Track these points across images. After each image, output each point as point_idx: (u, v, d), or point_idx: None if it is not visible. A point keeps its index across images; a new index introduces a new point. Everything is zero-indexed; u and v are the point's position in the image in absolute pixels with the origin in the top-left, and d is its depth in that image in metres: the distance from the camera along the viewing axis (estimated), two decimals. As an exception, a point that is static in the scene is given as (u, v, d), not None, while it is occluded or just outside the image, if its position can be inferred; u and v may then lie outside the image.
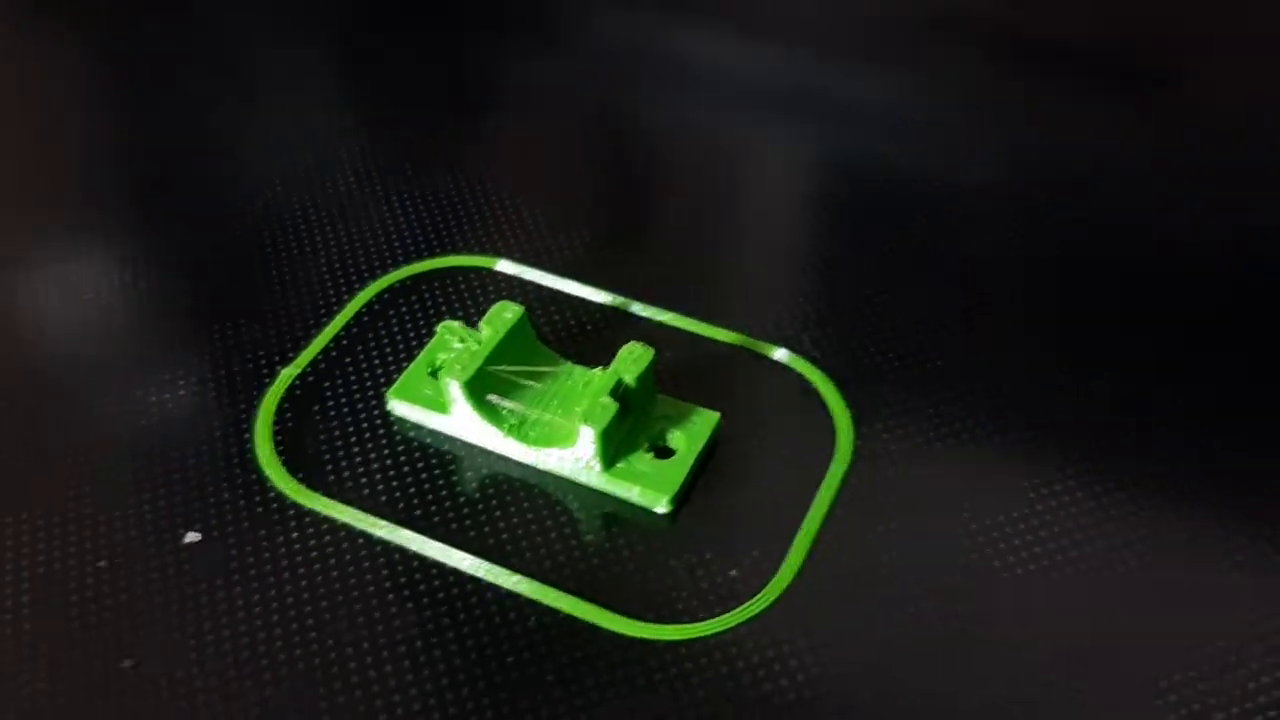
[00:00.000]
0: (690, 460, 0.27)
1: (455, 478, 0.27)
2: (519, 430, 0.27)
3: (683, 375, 0.29)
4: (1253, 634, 0.24)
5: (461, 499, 0.27)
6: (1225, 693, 0.23)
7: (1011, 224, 0.33)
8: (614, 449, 0.27)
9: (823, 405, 0.29)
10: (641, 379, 0.27)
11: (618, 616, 0.25)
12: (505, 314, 0.28)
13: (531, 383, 0.28)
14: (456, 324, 0.29)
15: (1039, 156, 0.36)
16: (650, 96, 0.38)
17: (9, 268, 0.32)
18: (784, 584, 0.25)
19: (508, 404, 0.27)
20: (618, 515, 0.27)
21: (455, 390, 0.27)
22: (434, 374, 0.28)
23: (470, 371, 0.27)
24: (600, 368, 0.28)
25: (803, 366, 0.29)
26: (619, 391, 0.26)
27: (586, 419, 0.26)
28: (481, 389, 0.27)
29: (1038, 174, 0.35)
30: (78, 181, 0.35)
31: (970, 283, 0.32)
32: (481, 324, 0.28)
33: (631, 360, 0.27)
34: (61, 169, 0.36)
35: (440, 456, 0.27)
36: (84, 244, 0.33)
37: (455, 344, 0.28)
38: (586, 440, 0.26)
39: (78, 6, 0.42)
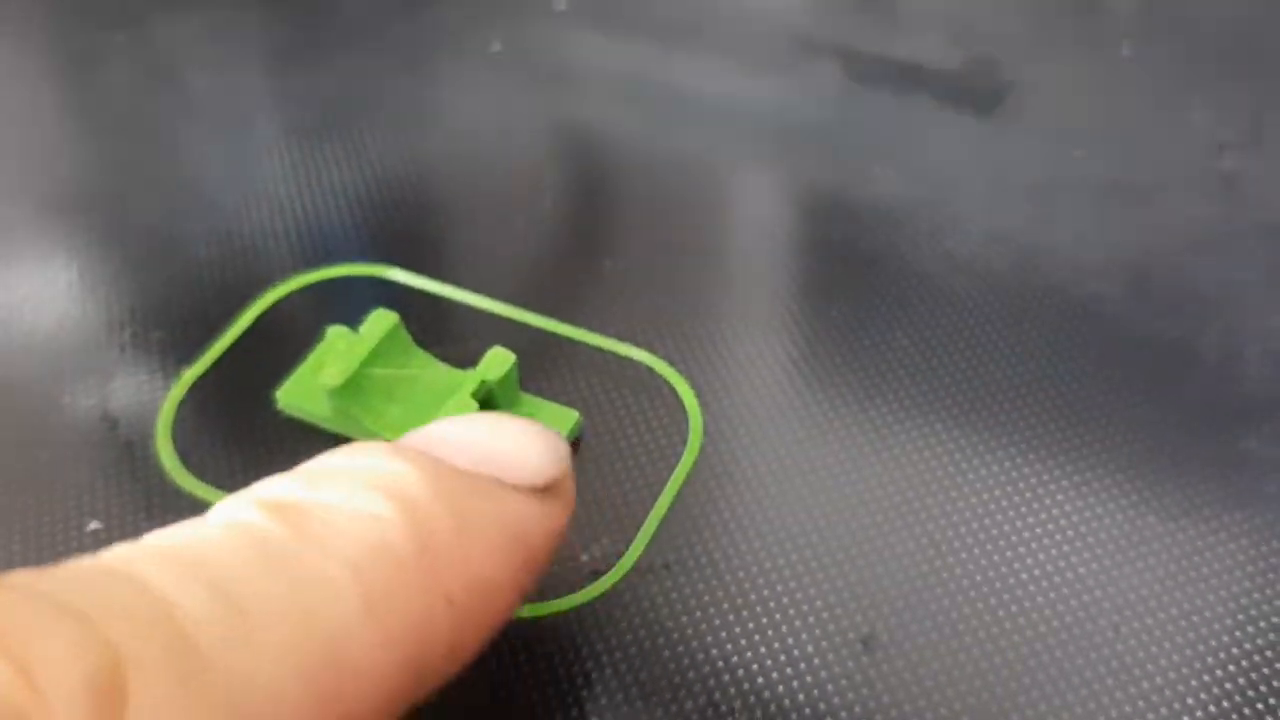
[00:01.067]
0: (550, 454, 0.30)
1: (336, 470, 0.30)
2: (392, 427, 0.30)
3: (551, 375, 0.32)
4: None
5: (341, 489, 0.29)
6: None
7: (864, 235, 0.36)
8: (478, 444, 0.29)
9: (677, 404, 0.31)
10: (503, 381, 0.30)
11: (475, 595, 0.28)
12: (382, 321, 0.30)
13: (405, 383, 0.30)
14: (344, 329, 0.31)
15: (893, 170, 0.38)
16: (538, 112, 0.41)
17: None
18: (626, 568, 0.28)
19: (383, 402, 0.30)
20: (482, 504, 0.29)
21: (335, 389, 0.29)
22: (319, 375, 0.31)
23: (345, 374, 0.29)
24: (471, 369, 0.30)
25: (661, 367, 0.32)
26: (480, 393, 0.29)
27: (447, 416, 0.29)
28: (359, 389, 0.30)
29: (897, 185, 0.38)
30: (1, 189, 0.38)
31: (823, 291, 0.34)
32: (361, 329, 0.30)
33: (495, 364, 0.30)
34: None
35: (324, 450, 0.30)
36: (3, 251, 0.36)
37: (341, 347, 0.31)
38: (451, 437, 0.29)
39: (3, 19, 0.45)
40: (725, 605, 0.27)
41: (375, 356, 0.30)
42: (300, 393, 0.31)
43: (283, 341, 0.33)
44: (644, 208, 0.37)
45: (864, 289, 0.34)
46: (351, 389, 0.29)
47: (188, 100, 0.41)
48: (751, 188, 0.38)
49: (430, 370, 0.31)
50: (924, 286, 0.34)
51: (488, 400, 0.29)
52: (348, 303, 0.34)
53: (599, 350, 0.33)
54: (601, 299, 0.34)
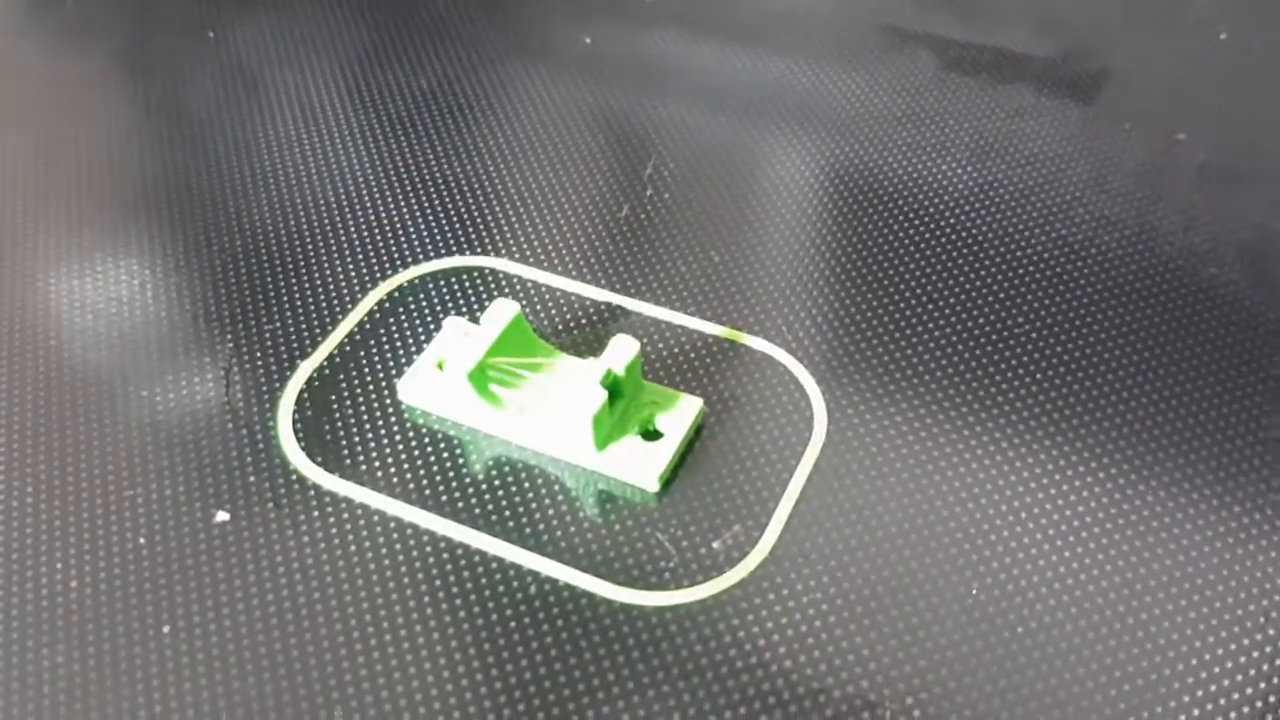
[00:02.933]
0: (676, 443, 0.29)
1: (461, 461, 0.30)
2: (518, 416, 0.30)
3: (670, 365, 0.32)
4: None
5: (467, 480, 0.29)
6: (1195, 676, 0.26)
7: (974, 221, 0.36)
8: (605, 433, 0.29)
9: (799, 392, 0.31)
10: (629, 369, 0.29)
11: (610, 584, 0.27)
12: (504, 311, 0.30)
13: (529, 373, 0.30)
14: (461, 320, 0.31)
15: (996, 157, 0.38)
16: (635, 104, 0.40)
17: (43, 271, 0.35)
18: (761, 556, 0.28)
19: (508, 392, 0.30)
20: (610, 493, 0.29)
21: (460, 381, 0.29)
22: (441, 366, 0.31)
23: (473, 363, 0.29)
24: (592, 358, 0.30)
25: (781, 356, 0.32)
26: (608, 380, 0.29)
27: (578, 405, 0.28)
28: (483, 379, 0.29)
29: (1002, 172, 0.37)
30: (101, 190, 0.38)
31: (939, 276, 0.34)
32: (482, 320, 0.30)
33: (620, 351, 0.29)
34: (85, 178, 0.38)
35: (448, 441, 0.30)
36: (112, 250, 0.35)
37: (460, 338, 0.30)
38: (579, 425, 0.28)
39: (94, 25, 0.45)
40: (866, 591, 0.27)
41: (499, 346, 0.30)
42: (421, 383, 0.31)
43: (398, 333, 0.32)
44: (744, 199, 0.37)
45: (978, 274, 0.34)
46: (478, 378, 0.29)
47: (281, 100, 0.41)
48: (855, 177, 0.38)
49: (554, 359, 0.31)
50: (1038, 271, 0.34)
51: (614, 389, 0.29)
52: (458, 295, 0.34)
53: (719, 340, 0.32)
54: (712, 288, 0.34)
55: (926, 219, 0.36)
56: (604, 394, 0.28)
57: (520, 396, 0.30)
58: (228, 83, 0.41)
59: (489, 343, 0.30)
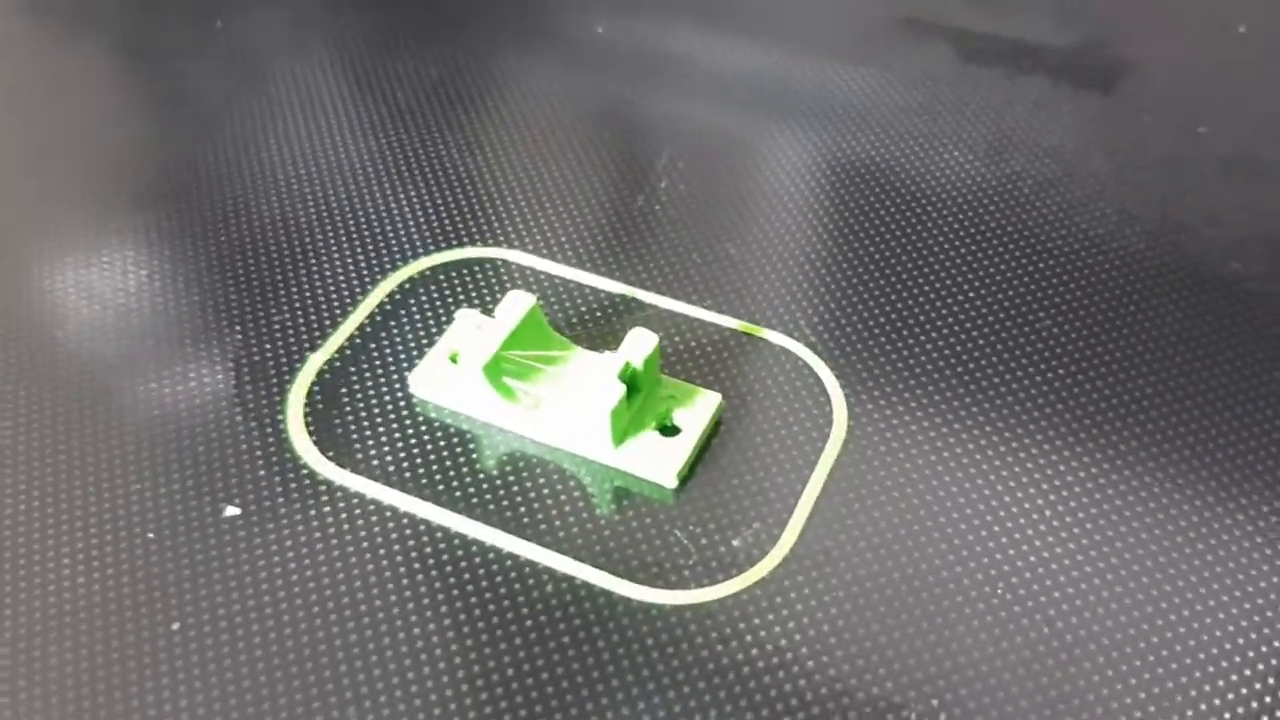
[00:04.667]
0: (694, 438, 0.29)
1: (475, 455, 0.29)
2: (534, 410, 0.29)
3: (686, 359, 0.31)
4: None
5: (481, 475, 0.29)
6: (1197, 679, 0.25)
7: (994, 214, 0.35)
8: (622, 428, 0.28)
9: (818, 387, 0.31)
10: (647, 362, 0.29)
11: (628, 583, 0.27)
12: (518, 303, 0.30)
13: (544, 366, 0.29)
14: (473, 312, 0.31)
15: (1016, 149, 0.37)
16: (647, 94, 0.40)
17: (50, 261, 0.34)
18: (783, 554, 0.27)
19: (523, 386, 0.29)
20: (627, 490, 0.28)
21: (474, 373, 0.29)
22: (453, 359, 0.30)
23: (488, 356, 0.28)
24: (608, 352, 0.30)
25: (799, 350, 0.31)
26: (626, 374, 0.28)
27: (596, 400, 0.28)
28: (498, 372, 0.29)
29: (1021, 165, 0.37)
30: (107, 179, 0.37)
31: (959, 270, 0.33)
32: (497, 312, 0.30)
33: (638, 344, 0.29)
34: (91, 168, 0.38)
35: (460, 436, 0.29)
36: (119, 240, 0.35)
37: (473, 330, 0.30)
38: (597, 420, 0.28)
39: (102, 12, 0.44)
40: (889, 591, 0.26)
41: (514, 338, 0.29)
42: (433, 376, 0.30)
43: (409, 326, 0.32)
44: (758, 192, 0.36)
45: (999, 268, 0.33)
46: (493, 371, 0.29)
47: (289, 89, 0.40)
48: (872, 170, 0.37)
49: (569, 352, 0.30)
50: (1059, 266, 0.33)
51: (632, 383, 0.29)
52: (469, 287, 0.33)
53: (735, 333, 0.32)
54: (729, 281, 0.33)
55: (945, 212, 0.35)
56: (622, 388, 0.28)
57: (535, 390, 0.29)
58: (235, 72, 0.41)
59: (504, 335, 0.29)
